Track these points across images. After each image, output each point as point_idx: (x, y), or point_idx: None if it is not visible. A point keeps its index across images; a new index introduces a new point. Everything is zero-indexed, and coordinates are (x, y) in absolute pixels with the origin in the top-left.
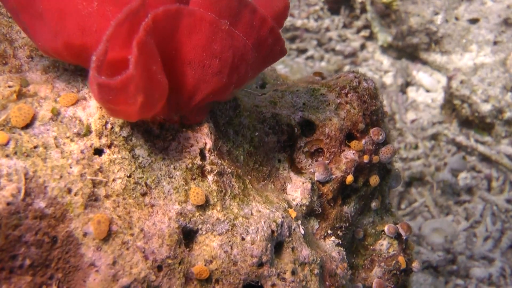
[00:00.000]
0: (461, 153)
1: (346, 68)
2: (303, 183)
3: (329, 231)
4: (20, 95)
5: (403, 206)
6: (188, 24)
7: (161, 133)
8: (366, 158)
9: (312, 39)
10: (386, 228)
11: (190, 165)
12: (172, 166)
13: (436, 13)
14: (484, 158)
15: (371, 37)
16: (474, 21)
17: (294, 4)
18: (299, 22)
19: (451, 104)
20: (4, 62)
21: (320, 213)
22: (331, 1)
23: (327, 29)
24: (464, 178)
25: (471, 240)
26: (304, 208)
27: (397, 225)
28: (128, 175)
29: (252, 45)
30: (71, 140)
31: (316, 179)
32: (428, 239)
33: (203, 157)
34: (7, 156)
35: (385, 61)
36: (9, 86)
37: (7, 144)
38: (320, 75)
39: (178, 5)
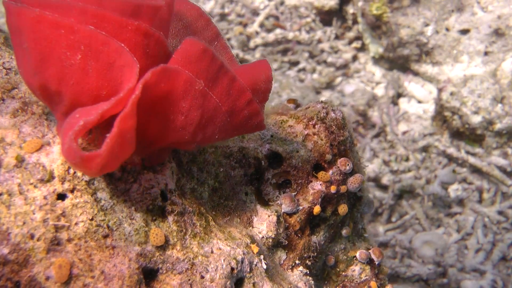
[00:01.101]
0: (451, 166)
1: (338, 80)
2: (269, 216)
3: (297, 261)
4: None
5: (393, 219)
6: (162, 77)
7: (123, 176)
8: (333, 189)
9: (304, 51)
10: (357, 254)
11: (151, 206)
12: (133, 208)
13: (427, 25)
14: (475, 170)
15: (362, 48)
16: (464, 31)
17: (286, 17)
18: (290, 35)
19: (442, 116)
20: None
21: (287, 244)
22: (323, 13)
23: (319, 41)
24: (455, 190)
25: (462, 253)
26: (270, 240)
27: (369, 251)
28: (90, 218)
29: (225, 111)
30: (35, 187)
31: (283, 210)
32: (419, 252)
33: (164, 198)
34: None
35: (377, 72)
36: None
37: None
38: (294, 102)
39: (163, 67)
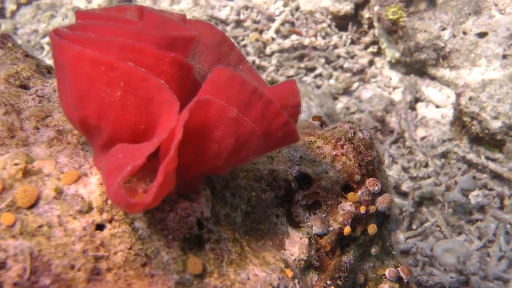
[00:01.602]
0: (471, 173)
1: (355, 85)
2: (300, 239)
3: (328, 282)
4: (26, 173)
5: (414, 226)
6: (196, 110)
7: (159, 205)
8: (362, 209)
9: (320, 57)
10: (386, 272)
11: (187, 235)
12: (170, 236)
13: (444, 29)
14: (496, 176)
15: (379, 52)
16: (482, 35)
17: (302, 22)
18: (306, 41)
19: (461, 121)
20: (12, 135)
21: (319, 265)
22: (338, 18)
23: (335, 46)
24: (475, 196)
25: (484, 260)
26: (302, 262)
27: (398, 269)
28: (129, 247)
29: (261, 134)
30: (74, 218)
31: (313, 232)
32: (440, 260)
33: (200, 226)
34: (13, 236)
35: (394, 76)
36: (16, 164)
37: (13, 225)
38: (319, 119)
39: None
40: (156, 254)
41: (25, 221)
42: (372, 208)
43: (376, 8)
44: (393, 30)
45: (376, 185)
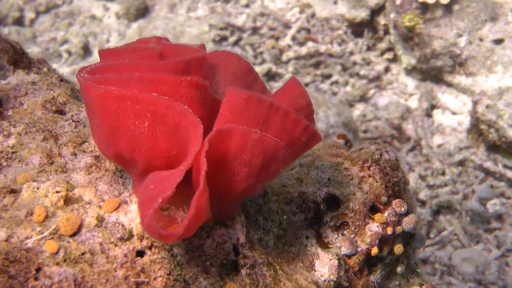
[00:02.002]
0: (489, 182)
1: (371, 92)
2: (330, 260)
3: None
4: (67, 200)
5: (432, 235)
6: (218, 140)
7: (197, 232)
8: (389, 230)
9: (336, 64)
10: None
11: (224, 261)
12: (208, 262)
13: (460, 35)
14: None
15: (394, 59)
16: (498, 41)
17: (318, 29)
18: (323, 48)
19: (478, 129)
20: (51, 161)
21: (348, 286)
22: (354, 24)
23: (351, 53)
24: (493, 205)
25: (503, 270)
26: (332, 283)
27: (422, 287)
28: (168, 273)
29: (285, 145)
30: (115, 245)
31: (342, 253)
32: (459, 269)
33: (236, 252)
34: (57, 264)
35: (410, 83)
36: (57, 192)
37: (57, 252)
38: (343, 137)
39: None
40: (194, 279)
41: (68, 248)
42: (398, 229)
43: (392, 15)
44: (409, 37)
45: (403, 206)
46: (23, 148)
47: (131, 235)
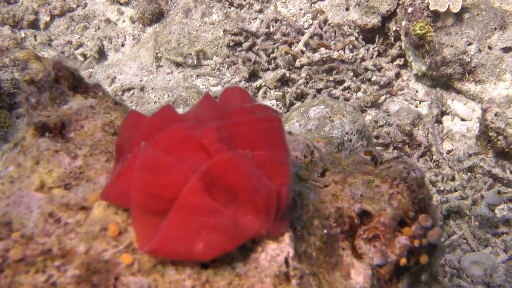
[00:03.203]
0: (496, 187)
1: (383, 98)
2: (364, 269)
3: None
4: None
5: (442, 239)
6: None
7: (253, 247)
8: (416, 243)
9: (348, 70)
10: None
11: (277, 272)
12: (263, 274)
13: (470, 44)
14: None
15: (405, 65)
16: (507, 49)
17: (330, 35)
18: (335, 54)
19: (487, 136)
20: None
21: None
22: (365, 31)
23: (363, 59)
24: (501, 210)
25: (510, 273)
26: None
27: None
28: (229, 283)
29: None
30: None
31: (374, 263)
32: (468, 272)
33: (287, 264)
34: (133, 274)
35: (420, 89)
36: (126, 210)
37: (132, 264)
38: (370, 154)
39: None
40: None
41: (142, 260)
42: (424, 241)
43: (403, 23)
44: (420, 45)
45: (429, 221)
46: (89, 169)
47: None
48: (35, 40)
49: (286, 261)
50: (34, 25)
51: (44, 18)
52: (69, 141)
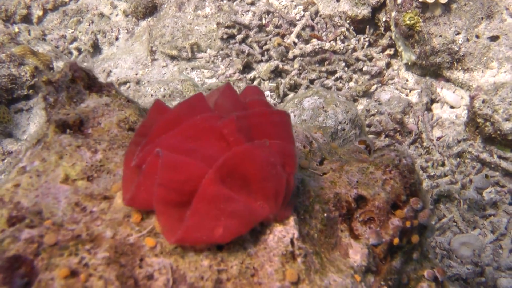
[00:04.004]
0: (484, 171)
1: (374, 87)
2: (361, 249)
3: (382, 283)
4: None
5: (433, 222)
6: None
7: (262, 229)
8: (408, 224)
9: (340, 60)
10: (425, 273)
11: (284, 251)
12: (271, 253)
13: (458, 33)
14: (507, 173)
15: (395, 54)
16: (494, 38)
17: (321, 26)
18: (327, 45)
19: (475, 122)
20: None
21: (375, 270)
22: (356, 21)
23: (354, 49)
24: (488, 193)
25: (497, 252)
26: (363, 268)
27: (434, 270)
28: (241, 262)
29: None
30: None
31: (370, 243)
32: (457, 253)
33: (292, 244)
34: (156, 255)
35: (410, 78)
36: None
37: (155, 247)
38: (364, 143)
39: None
40: (261, 267)
41: (163, 243)
42: (415, 222)
43: (393, 14)
44: (410, 35)
45: (419, 204)
46: (109, 162)
47: None
48: (29, 34)
49: (292, 242)
50: (27, 19)
51: (37, 12)
52: (88, 137)
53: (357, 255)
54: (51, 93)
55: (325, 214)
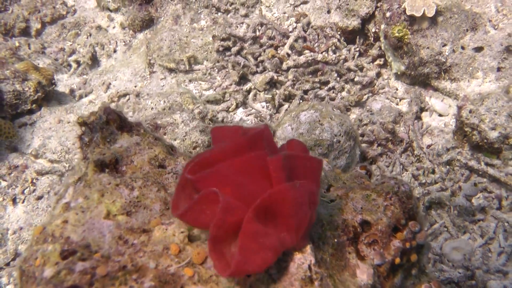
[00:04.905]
0: (473, 178)
1: (365, 97)
2: (367, 269)
3: None
4: (190, 238)
5: (425, 228)
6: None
7: (283, 257)
8: (407, 245)
9: (332, 71)
10: (423, 287)
11: (303, 276)
12: (292, 278)
13: (444, 45)
14: (494, 180)
15: (385, 64)
16: (478, 49)
17: (313, 37)
18: (319, 56)
19: (463, 131)
20: (167, 207)
21: (380, 287)
22: (347, 32)
23: (345, 60)
24: (477, 198)
25: (486, 256)
26: (370, 286)
27: (430, 283)
28: (267, 287)
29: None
30: None
31: (375, 263)
32: (449, 257)
33: (310, 270)
34: (194, 283)
35: (400, 87)
36: (182, 232)
37: (193, 276)
38: (365, 168)
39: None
40: None
41: (200, 273)
42: (414, 243)
43: (382, 26)
44: (399, 46)
45: (417, 226)
46: (145, 198)
47: None
48: (29, 48)
49: (309, 267)
50: (25, 32)
51: (35, 25)
52: (123, 175)
53: (364, 274)
54: (86, 133)
55: (335, 240)
